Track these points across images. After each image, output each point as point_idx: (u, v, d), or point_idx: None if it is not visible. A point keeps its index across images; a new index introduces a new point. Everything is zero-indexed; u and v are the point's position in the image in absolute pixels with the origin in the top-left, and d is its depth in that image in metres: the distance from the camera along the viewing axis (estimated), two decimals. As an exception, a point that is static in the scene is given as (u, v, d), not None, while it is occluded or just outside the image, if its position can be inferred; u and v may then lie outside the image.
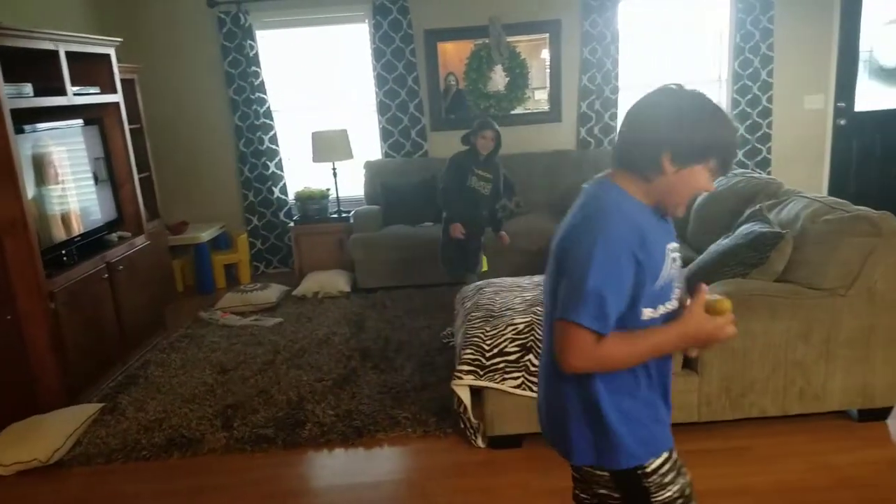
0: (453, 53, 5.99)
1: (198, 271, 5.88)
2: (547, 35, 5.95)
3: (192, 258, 5.89)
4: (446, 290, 5.13)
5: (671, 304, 1.56)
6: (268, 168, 6.08)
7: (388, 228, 5.57)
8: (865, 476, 2.75)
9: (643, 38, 6.09)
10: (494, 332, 3.03)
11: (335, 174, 5.80)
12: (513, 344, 2.98)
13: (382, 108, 5.98)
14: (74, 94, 3.97)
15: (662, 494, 1.57)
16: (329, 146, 5.67)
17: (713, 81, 6.21)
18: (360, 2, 5.85)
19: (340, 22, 5.99)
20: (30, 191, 3.49)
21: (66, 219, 3.90)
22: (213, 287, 5.86)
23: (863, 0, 6.00)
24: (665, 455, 1.58)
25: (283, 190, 6.19)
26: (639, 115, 1.50)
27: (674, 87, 1.50)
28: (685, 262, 3.74)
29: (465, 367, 2.99)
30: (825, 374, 2.98)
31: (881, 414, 3.11)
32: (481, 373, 2.97)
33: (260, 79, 5.91)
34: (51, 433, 3.25)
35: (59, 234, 3.81)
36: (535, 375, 2.94)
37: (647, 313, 1.50)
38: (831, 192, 6.09)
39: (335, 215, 5.89)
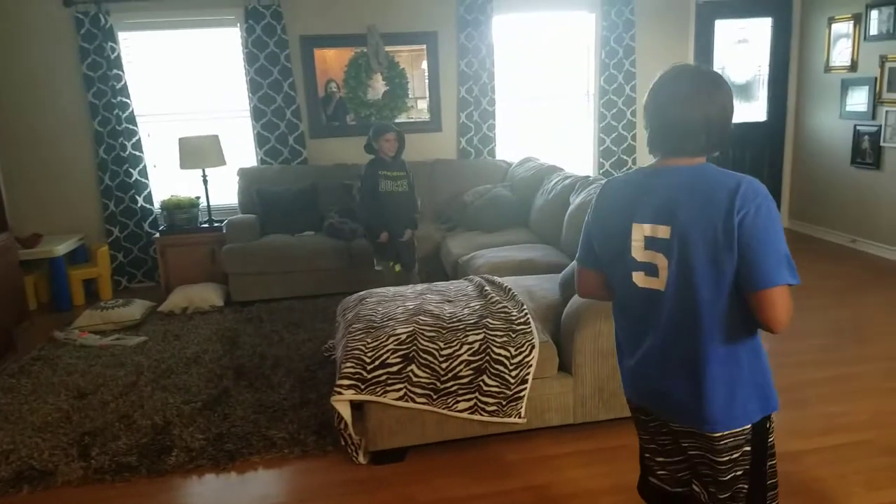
0: (334, 60, 5.90)
1: (53, 287, 5.46)
2: (425, 46, 5.99)
3: (47, 273, 5.47)
4: (328, 301, 5.03)
5: None
6: (131, 175, 5.71)
7: (265, 238, 5.37)
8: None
9: (518, 52, 6.27)
10: (376, 343, 2.97)
11: (205, 182, 5.54)
12: (395, 355, 2.94)
13: (257, 114, 5.79)
14: None
15: (772, 442, 1.75)
16: (198, 152, 5.41)
17: (582, 95, 6.48)
18: (231, 5, 5.65)
19: (211, 25, 5.74)
20: None
21: None
22: (71, 304, 5.46)
23: (715, 22, 6.49)
24: None
25: (148, 199, 5.84)
26: (724, 98, 1.62)
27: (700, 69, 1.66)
28: (559, 269, 3.87)
29: (346, 382, 2.91)
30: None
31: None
32: (363, 386, 2.90)
33: (122, 82, 5.55)
34: None
35: None
36: (417, 386, 2.91)
37: None
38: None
39: (206, 225, 5.62)
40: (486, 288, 3.50)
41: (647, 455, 1.96)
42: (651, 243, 1.64)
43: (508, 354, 2.95)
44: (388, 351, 2.94)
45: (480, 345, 2.96)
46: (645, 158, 6.42)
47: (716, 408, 1.64)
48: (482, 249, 4.70)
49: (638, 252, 1.67)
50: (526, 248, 4.65)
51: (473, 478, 2.90)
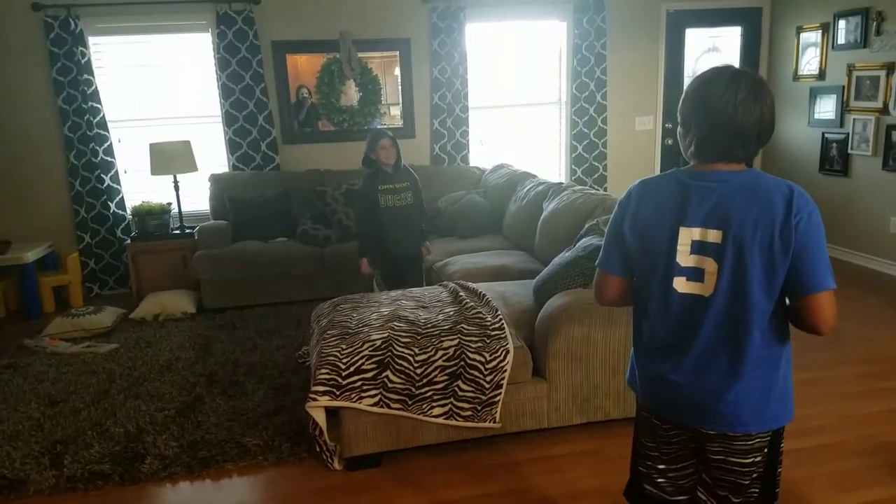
0: (306, 66, 5.89)
1: (23, 294, 5.37)
2: (398, 53, 6.01)
3: (17, 280, 5.38)
4: (302, 307, 5.02)
5: None
6: (102, 181, 5.65)
7: (238, 244, 5.33)
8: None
9: (491, 60, 6.32)
10: (351, 349, 2.99)
11: (177, 188, 5.50)
12: (370, 361, 2.95)
13: (229, 120, 5.76)
14: None
15: (782, 449, 1.79)
16: (169, 158, 5.37)
17: (554, 103, 6.55)
18: (202, 11, 5.61)
19: (182, 31, 5.70)
20: None
21: None
22: (41, 311, 5.38)
23: (685, 30, 6.61)
24: None
25: (120, 205, 5.77)
26: (773, 103, 1.61)
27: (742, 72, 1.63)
28: (532, 275, 3.91)
29: (321, 388, 2.92)
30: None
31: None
32: (338, 392, 2.92)
33: (93, 87, 5.49)
34: None
35: None
36: (392, 392, 2.92)
37: None
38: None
39: (178, 231, 5.57)
40: (461, 294, 3.53)
41: (649, 463, 1.93)
42: (699, 247, 1.62)
43: (483, 360, 2.98)
44: (362, 357, 2.96)
45: (455, 350, 2.99)
46: (616, 164, 6.51)
47: (751, 410, 1.66)
48: (456, 255, 4.73)
49: (682, 256, 1.64)
50: (500, 254, 4.69)
51: (449, 483, 2.92)
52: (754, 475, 1.74)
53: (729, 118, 1.58)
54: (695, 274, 1.64)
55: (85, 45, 5.44)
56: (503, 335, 3.06)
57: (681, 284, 1.66)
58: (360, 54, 5.87)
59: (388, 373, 2.94)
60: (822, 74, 6.11)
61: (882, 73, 5.48)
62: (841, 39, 5.87)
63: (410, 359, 2.96)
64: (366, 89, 5.97)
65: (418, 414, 2.96)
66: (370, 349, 2.98)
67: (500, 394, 3.00)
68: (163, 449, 3.19)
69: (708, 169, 1.65)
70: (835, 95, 5.97)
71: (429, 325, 3.13)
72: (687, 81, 6.67)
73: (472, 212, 5.40)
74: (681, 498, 1.92)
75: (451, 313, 3.27)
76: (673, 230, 1.64)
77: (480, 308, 3.30)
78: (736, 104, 1.57)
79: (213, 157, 5.91)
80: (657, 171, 6.71)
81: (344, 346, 3.00)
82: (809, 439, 3.14)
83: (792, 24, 6.43)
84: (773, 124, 1.63)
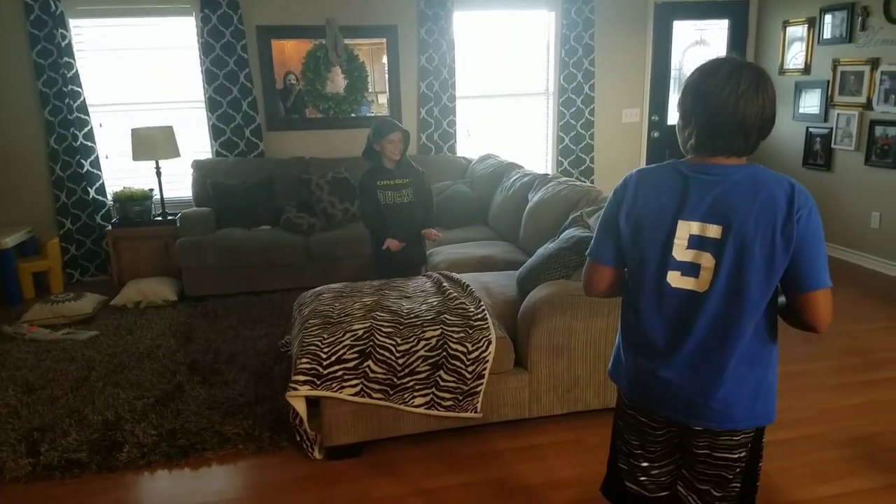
0: (293, 52, 5.83)
1: (1, 280, 5.28)
2: (385, 40, 5.96)
3: (-6, 266, 5.28)
4: (285, 296, 4.99)
5: None
6: (83, 166, 5.57)
7: (221, 232, 5.28)
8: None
9: (478, 49, 6.29)
10: (332, 339, 2.97)
11: (159, 173, 5.44)
12: (351, 351, 2.94)
13: (212, 105, 5.69)
14: None
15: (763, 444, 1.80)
16: (151, 143, 5.30)
17: (542, 94, 6.53)
18: (187, -7, 5.54)
19: (165, 14, 5.61)
20: None
21: None
22: (21, 298, 5.30)
23: (673, 23, 6.61)
24: None
25: (101, 190, 5.70)
26: (774, 95, 1.58)
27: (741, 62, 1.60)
28: (517, 266, 3.90)
29: (301, 377, 2.90)
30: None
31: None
32: (318, 382, 2.90)
33: (74, 70, 5.40)
34: None
35: None
36: (374, 381, 2.91)
37: None
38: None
39: (159, 218, 5.51)
40: (444, 284, 3.52)
41: (632, 461, 1.91)
42: (697, 242, 1.59)
43: (465, 350, 2.97)
44: (344, 346, 2.94)
45: (437, 340, 2.98)
46: (603, 156, 6.51)
47: (741, 407, 1.66)
48: (441, 246, 4.72)
49: (679, 251, 1.61)
50: (485, 244, 4.69)
51: (430, 472, 2.92)
52: (737, 470, 1.75)
53: (730, 110, 1.54)
54: (690, 269, 1.61)
55: (66, 27, 5.35)
56: (486, 325, 3.06)
57: (675, 279, 1.63)
58: (346, 41, 5.82)
59: (370, 362, 2.93)
60: (807, 69, 6.13)
61: (866, 69, 5.51)
62: (827, 34, 5.90)
63: (392, 349, 2.95)
64: (352, 76, 5.92)
65: (400, 404, 2.95)
66: (352, 339, 2.96)
67: (481, 384, 3.00)
68: (141, 437, 3.17)
69: (709, 162, 1.62)
70: (819, 90, 6.00)
71: (411, 315, 3.12)
72: (674, 74, 6.70)
73: (458, 202, 5.39)
74: (661, 494, 1.91)
75: (435, 303, 3.25)
76: (671, 223, 1.61)
77: (463, 298, 3.29)
78: (737, 96, 1.54)
79: (196, 143, 5.84)
80: (643, 164, 6.73)
81: (325, 336, 2.98)
82: (788, 431, 3.17)
83: (778, 17, 6.45)
84: (775, 116, 1.59)
